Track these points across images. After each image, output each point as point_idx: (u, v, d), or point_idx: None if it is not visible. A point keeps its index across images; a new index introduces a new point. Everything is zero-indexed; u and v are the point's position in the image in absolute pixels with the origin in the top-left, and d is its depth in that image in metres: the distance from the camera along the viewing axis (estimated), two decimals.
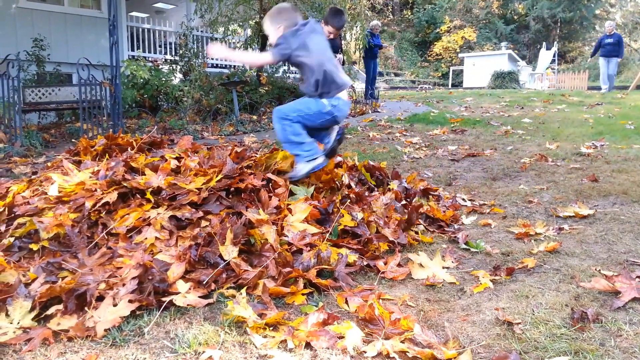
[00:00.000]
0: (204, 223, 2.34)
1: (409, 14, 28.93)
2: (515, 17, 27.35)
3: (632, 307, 1.88)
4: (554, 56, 19.41)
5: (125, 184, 2.51)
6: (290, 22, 2.97)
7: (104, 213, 2.42)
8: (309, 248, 2.36)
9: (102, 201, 2.42)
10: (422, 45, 27.60)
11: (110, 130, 5.87)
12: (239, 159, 2.95)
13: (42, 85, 7.40)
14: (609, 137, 5.91)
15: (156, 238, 2.27)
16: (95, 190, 2.50)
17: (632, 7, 27.21)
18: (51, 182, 2.62)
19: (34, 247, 2.24)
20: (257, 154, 3.29)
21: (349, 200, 2.86)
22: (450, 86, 21.12)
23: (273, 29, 2.99)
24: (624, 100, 10.17)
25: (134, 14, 11.36)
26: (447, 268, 2.38)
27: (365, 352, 1.63)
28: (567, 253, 2.51)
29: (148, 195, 2.46)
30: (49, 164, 3.28)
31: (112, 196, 2.44)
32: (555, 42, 22.49)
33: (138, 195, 2.50)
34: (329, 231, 2.55)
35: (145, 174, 2.62)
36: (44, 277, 2.02)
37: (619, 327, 1.74)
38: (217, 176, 2.57)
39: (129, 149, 3.09)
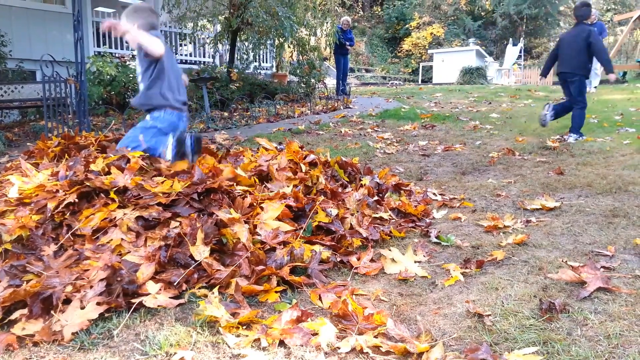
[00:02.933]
0: (173, 224, 2.30)
1: (379, 10, 29.05)
2: (483, 13, 27.78)
3: (597, 297, 1.94)
4: (520, 52, 19.81)
5: (88, 184, 2.44)
6: (146, 22, 3.00)
7: (68, 214, 2.35)
8: (282, 246, 2.35)
9: (65, 202, 2.35)
10: (392, 41, 27.78)
11: (68, 130, 5.71)
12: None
13: (4, 82, 7.16)
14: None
15: (122, 239, 2.22)
16: (57, 191, 2.43)
17: (594, 4, 27.96)
18: (10, 185, 2.54)
19: None
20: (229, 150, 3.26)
21: (323, 197, 2.86)
22: (420, 82, 21.33)
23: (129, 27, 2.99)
24: (588, 95, 10.45)
25: (99, 9, 11.09)
26: (419, 262, 2.41)
27: (339, 348, 1.63)
28: (535, 245, 2.57)
29: (112, 195, 2.40)
30: (8, 165, 3.17)
31: (74, 196, 2.37)
32: (521, 38, 22.95)
33: (102, 195, 2.44)
34: (302, 228, 2.54)
35: (109, 173, 2.55)
36: (7, 280, 1.95)
37: (585, 316, 1.79)
38: (184, 183, 2.53)
39: (89, 148, 3.01)
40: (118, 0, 13.73)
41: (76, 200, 2.38)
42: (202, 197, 2.52)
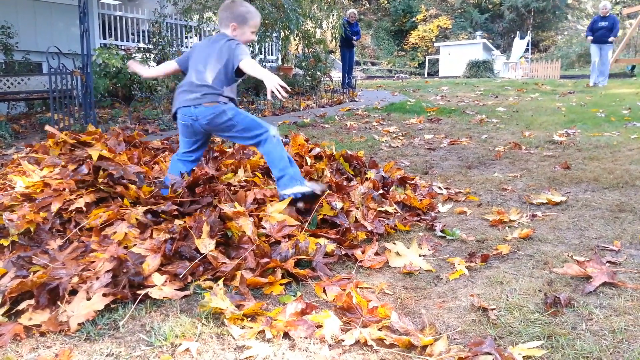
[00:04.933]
0: (177, 222, 2.30)
1: (385, 2, 28.91)
2: (490, 6, 27.59)
3: (602, 292, 1.93)
4: (527, 45, 19.68)
5: (103, 188, 2.45)
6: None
7: (74, 213, 2.36)
8: (287, 239, 2.36)
9: (74, 206, 2.35)
10: (398, 34, 27.65)
11: (74, 122, 5.72)
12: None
13: (10, 74, 7.19)
14: (581, 125, 6.03)
15: (126, 234, 2.24)
16: (64, 189, 2.43)
17: None
18: (15, 179, 2.56)
19: (4, 242, 2.18)
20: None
21: (329, 190, 2.86)
22: (426, 75, 21.24)
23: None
24: (595, 89, 10.38)
25: (105, 1, 11.08)
26: (424, 255, 2.40)
27: (343, 341, 1.64)
28: (541, 239, 2.56)
29: (126, 202, 2.42)
30: (15, 156, 3.19)
31: (87, 199, 2.38)
32: (528, 32, 22.81)
33: (119, 199, 2.46)
34: (307, 221, 2.55)
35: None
36: (14, 271, 1.97)
37: (590, 311, 1.79)
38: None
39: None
40: None
41: (87, 202, 2.39)
42: (205, 193, 2.53)
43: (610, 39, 10.73)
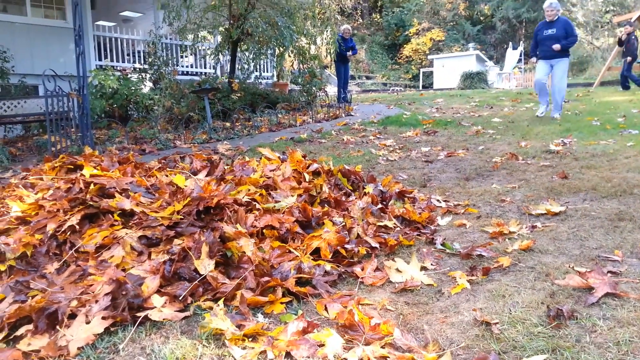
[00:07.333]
0: (177, 241, 2.29)
1: (378, 17, 29.22)
2: (482, 18, 27.89)
3: (605, 303, 1.92)
4: (520, 56, 19.85)
5: (92, 204, 2.44)
6: None
7: (69, 233, 2.34)
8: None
9: (67, 224, 2.34)
10: (392, 48, 27.91)
11: (71, 143, 5.72)
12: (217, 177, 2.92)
13: (6, 97, 7.20)
14: (577, 134, 6.06)
15: (124, 256, 2.22)
16: (58, 210, 2.42)
17: (593, 6, 28.01)
18: (11, 202, 2.55)
19: (1, 267, 2.17)
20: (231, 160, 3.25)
21: (327, 206, 2.85)
22: (421, 88, 21.38)
23: None
24: (589, 97, 10.44)
25: (100, 23, 11.15)
26: (425, 269, 2.39)
27: (346, 359, 1.62)
28: (541, 251, 2.55)
29: (116, 217, 2.40)
30: (12, 180, 3.18)
31: (77, 217, 2.37)
32: (521, 42, 22.99)
33: (110, 216, 2.44)
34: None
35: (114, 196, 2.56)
36: (12, 296, 1.95)
37: (593, 322, 1.77)
38: (183, 202, 2.52)
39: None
40: (119, 13, 13.85)
41: (79, 220, 2.38)
42: (203, 215, 2.51)
43: (556, 47, 7.45)
